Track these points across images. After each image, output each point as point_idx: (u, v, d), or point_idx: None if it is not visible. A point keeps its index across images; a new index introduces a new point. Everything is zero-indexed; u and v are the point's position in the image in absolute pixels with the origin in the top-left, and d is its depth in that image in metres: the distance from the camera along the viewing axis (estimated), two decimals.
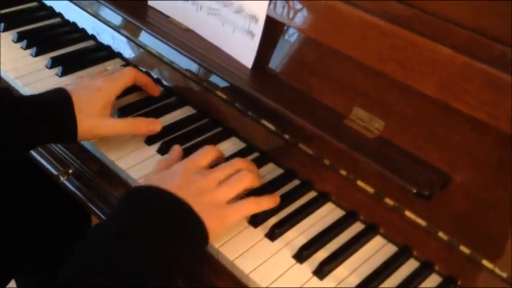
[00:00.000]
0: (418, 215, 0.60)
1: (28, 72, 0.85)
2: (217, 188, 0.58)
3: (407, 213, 0.60)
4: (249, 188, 0.61)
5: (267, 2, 0.69)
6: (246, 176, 0.60)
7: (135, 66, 0.87)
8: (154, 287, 0.51)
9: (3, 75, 0.85)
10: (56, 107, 0.67)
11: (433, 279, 0.59)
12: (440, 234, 0.58)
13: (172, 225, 0.54)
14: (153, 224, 0.53)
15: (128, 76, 0.74)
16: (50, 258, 0.82)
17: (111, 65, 0.89)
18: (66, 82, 0.83)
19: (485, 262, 0.56)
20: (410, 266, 0.60)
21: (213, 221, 0.56)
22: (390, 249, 0.62)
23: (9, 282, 0.85)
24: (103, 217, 0.69)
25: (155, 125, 0.72)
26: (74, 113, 0.66)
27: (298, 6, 0.67)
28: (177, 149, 0.67)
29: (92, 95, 0.69)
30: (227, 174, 0.60)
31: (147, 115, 0.76)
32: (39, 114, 0.66)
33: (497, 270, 0.55)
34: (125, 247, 0.51)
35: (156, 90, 0.80)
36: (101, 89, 0.70)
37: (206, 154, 0.63)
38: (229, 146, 0.74)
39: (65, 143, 0.74)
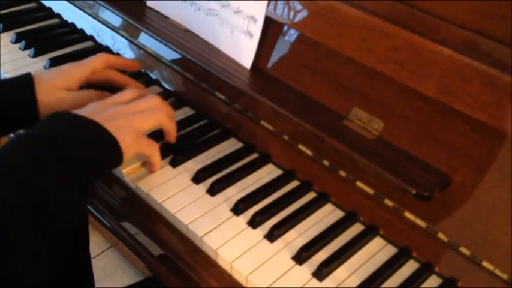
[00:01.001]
0: (418, 216, 0.60)
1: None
2: (131, 117, 0.62)
3: (407, 214, 0.60)
4: (160, 124, 0.66)
5: (266, 2, 0.69)
6: (159, 111, 0.65)
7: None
8: (64, 196, 0.52)
9: (2, 76, 0.85)
10: (16, 86, 0.68)
11: (433, 281, 0.59)
12: (440, 235, 0.58)
13: (84, 139, 0.57)
14: (68, 139, 0.55)
15: (96, 61, 0.75)
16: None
17: None
18: None
19: (485, 263, 0.56)
20: (410, 267, 0.60)
21: (125, 140, 0.59)
22: (390, 250, 0.62)
23: None
24: (100, 217, 0.69)
25: (105, 95, 0.72)
26: (33, 93, 0.67)
27: (297, 6, 0.66)
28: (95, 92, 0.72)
29: (54, 75, 0.71)
30: (141, 108, 0.64)
31: None
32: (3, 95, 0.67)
33: (497, 272, 0.55)
34: (39, 152, 0.52)
35: (135, 65, 0.80)
36: (64, 69, 0.72)
37: (124, 94, 0.67)
38: (228, 147, 0.74)
39: (29, 122, 0.70)
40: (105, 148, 0.59)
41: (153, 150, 0.66)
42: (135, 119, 0.62)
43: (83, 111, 0.61)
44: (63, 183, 0.52)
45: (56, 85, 0.70)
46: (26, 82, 0.68)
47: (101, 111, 0.61)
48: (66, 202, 0.52)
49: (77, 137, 0.56)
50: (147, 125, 0.64)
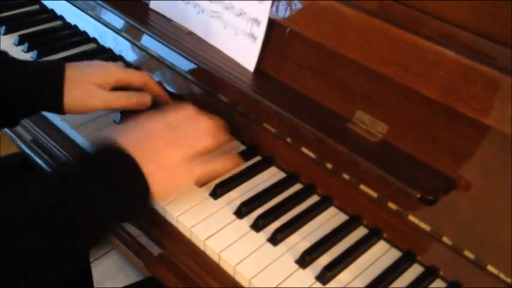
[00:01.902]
0: (422, 219, 0.59)
1: None
2: (174, 147, 0.59)
3: (411, 218, 0.60)
4: (208, 150, 0.62)
5: (269, 4, 0.69)
6: (205, 138, 0.62)
7: (137, 69, 0.87)
8: (88, 232, 0.53)
9: None
10: (45, 72, 0.67)
11: (438, 285, 0.59)
12: (445, 239, 0.58)
13: (114, 173, 0.55)
14: (97, 172, 0.54)
15: (138, 75, 0.73)
16: None
17: None
18: None
19: (490, 267, 0.55)
20: (414, 271, 0.60)
21: (161, 180, 0.57)
22: (394, 254, 0.62)
23: None
24: None
25: (145, 98, 0.72)
26: (62, 81, 0.66)
27: (301, 8, 0.66)
28: (146, 96, 0.70)
29: (90, 67, 0.69)
30: (190, 134, 0.61)
31: None
32: (28, 78, 0.66)
33: (502, 276, 0.55)
34: (65, 189, 0.52)
35: (167, 100, 0.77)
36: (102, 65, 0.70)
37: (177, 112, 0.63)
38: (231, 149, 0.74)
39: (52, 111, 0.71)
40: (137, 196, 0.56)
41: (209, 168, 0.62)
42: (177, 151, 0.59)
43: (129, 140, 0.57)
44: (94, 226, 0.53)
45: (89, 79, 0.67)
46: (56, 68, 0.67)
47: (149, 138, 0.58)
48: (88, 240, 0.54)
49: (115, 182, 0.54)
50: (190, 153, 0.60)
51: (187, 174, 0.60)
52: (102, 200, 0.53)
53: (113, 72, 0.70)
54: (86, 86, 0.67)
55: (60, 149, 0.75)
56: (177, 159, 0.59)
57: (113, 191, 0.54)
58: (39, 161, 0.76)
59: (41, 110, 0.72)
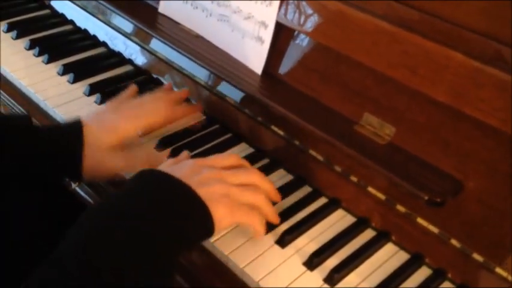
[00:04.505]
0: (431, 222, 0.59)
1: (40, 79, 0.86)
2: (224, 179, 0.57)
3: (420, 220, 0.60)
4: (257, 206, 0.59)
5: (277, 8, 0.69)
6: (255, 171, 0.60)
7: (146, 72, 0.87)
8: (151, 272, 0.49)
9: (16, 83, 0.86)
10: (64, 143, 0.65)
11: (446, 287, 0.59)
12: (453, 241, 0.58)
13: (172, 207, 0.52)
14: (154, 207, 0.52)
15: (154, 115, 0.71)
16: None
17: (121, 71, 0.90)
18: (77, 88, 0.84)
19: (499, 270, 0.55)
20: (422, 273, 0.60)
21: (218, 209, 0.54)
22: (402, 256, 0.61)
23: None
24: None
25: (163, 157, 0.69)
26: (81, 150, 0.64)
27: (308, 11, 0.66)
28: (185, 153, 0.67)
29: (105, 131, 0.67)
30: (240, 181, 0.58)
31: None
32: (46, 148, 0.65)
33: (510, 278, 0.54)
34: (123, 227, 0.49)
35: (198, 110, 0.77)
36: (117, 128, 0.68)
37: (223, 159, 0.61)
38: (239, 151, 0.74)
39: (71, 179, 0.71)
40: (196, 222, 0.53)
41: (251, 219, 0.58)
42: (232, 188, 0.57)
43: (177, 170, 0.56)
44: (143, 267, 0.48)
45: (102, 144, 0.66)
46: (75, 138, 0.65)
47: (195, 173, 0.56)
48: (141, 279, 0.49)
49: (167, 210, 0.52)
50: (244, 199, 0.57)
51: (244, 212, 0.57)
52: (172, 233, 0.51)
53: (126, 132, 0.69)
54: (99, 155, 0.65)
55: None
56: (231, 193, 0.57)
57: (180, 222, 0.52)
58: None
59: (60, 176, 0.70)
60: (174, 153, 0.72)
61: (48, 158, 0.65)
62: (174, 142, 0.73)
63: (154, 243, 0.50)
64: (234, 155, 0.63)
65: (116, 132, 0.68)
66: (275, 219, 0.61)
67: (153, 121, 0.72)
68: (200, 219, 0.54)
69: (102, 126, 0.67)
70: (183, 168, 0.57)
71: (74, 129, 0.66)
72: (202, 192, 0.54)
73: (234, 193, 0.57)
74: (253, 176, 0.60)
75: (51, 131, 0.68)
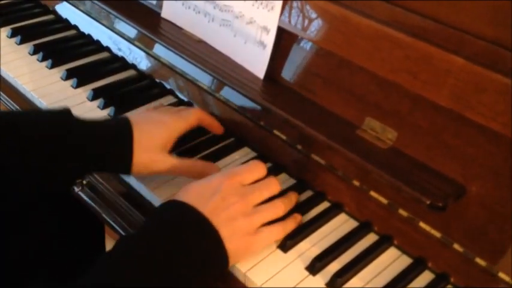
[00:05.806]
0: (433, 226, 0.59)
1: (44, 84, 0.86)
2: (251, 215, 0.59)
3: (422, 225, 0.60)
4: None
5: (279, 13, 0.70)
6: (280, 206, 0.61)
7: (149, 77, 0.88)
8: None
9: (20, 88, 0.86)
10: (115, 136, 0.65)
11: None
12: (456, 245, 0.58)
13: (197, 256, 0.55)
14: (179, 252, 0.54)
15: (194, 118, 0.72)
16: (61, 270, 0.82)
17: (125, 75, 0.90)
18: (81, 93, 0.85)
19: (501, 274, 0.55)
20: (425, 278, 0.60)
21: (238, 248, 0.57)
22: (405, 260, 0.61)
23: None
24: (117, 228, 0.70)
25: (213, 169, 0.69)
26: (131, 144, 0.64)
27: (310, 16, 0.67)
28: (212, 168, 0.68)
29: (155, 128, 0.67)
30: (264, 198, 0.61)
31: None
32: (94, 142, 0.64)
33: None
34: (146, 271, 0.52)
35: (219, 129, 0.77)
36: (166, 123, 0.68)
37: (252, 171, 0.62)
38: (241, 156, 0.74)
39: (119, 173, 0.71)
40: (215, 268, 0.57)
41: (266, 244, 0.60)
42: (253, 218, 0.59)
43: (207, 196, 0.58)
44: None
45: (155, 145, 0.66)
46: (125, 138, 0.65)
47: (225, 205, 0.58)
48: None
49: (194, 261, 0.55)
50: (265, 221, 0.60)
51: (262, 239, 0.59)
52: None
53: (176, 129, 0.69)
54: (151, 151, 0.66)
55: None
56: (254, 226, 0.59)
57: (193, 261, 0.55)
58: None
59: (108, 171, 0.71)
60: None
61: (101, 157, 0.65)
62: (177, 146, 0.74)
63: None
64: (260, 165, 0.63)
65: (166, 128, 0.68)
66: (290, 230, 0.62)
67: (195, 123, 0.72)
68: (218, 265, 0.57)
69: (151, 122, 0.68)
70: (213, 197, 0.58)
71: (123, 127, 0.66)
72: (226, 231, 0.56)
73: (256, 222, 0.59)
74: (275, 188, 0.62)
75: (94, 128, 0.66)
